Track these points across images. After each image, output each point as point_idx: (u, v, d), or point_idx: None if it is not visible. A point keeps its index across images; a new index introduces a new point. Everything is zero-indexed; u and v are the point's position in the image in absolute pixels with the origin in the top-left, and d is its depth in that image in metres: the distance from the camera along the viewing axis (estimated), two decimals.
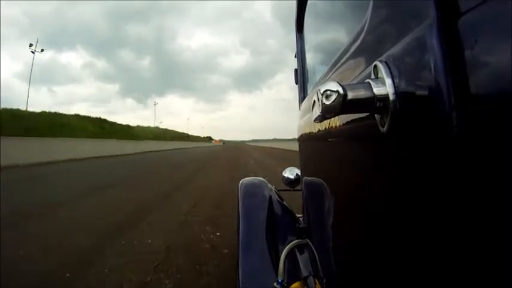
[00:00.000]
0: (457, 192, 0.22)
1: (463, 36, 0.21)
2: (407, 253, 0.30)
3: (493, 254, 0.20)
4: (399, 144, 0.30)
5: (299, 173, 1.28)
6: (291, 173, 1.38)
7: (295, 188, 1.36)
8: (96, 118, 23.55)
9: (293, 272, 0.81)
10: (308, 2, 0.99)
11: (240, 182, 1.25)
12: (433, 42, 0.23)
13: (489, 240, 0.20)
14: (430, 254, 0.26)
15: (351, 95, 0.30)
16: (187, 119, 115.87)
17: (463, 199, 0.21)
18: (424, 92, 0.25)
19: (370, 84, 0.30)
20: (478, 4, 0.20)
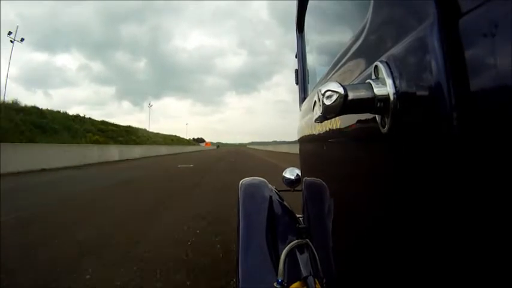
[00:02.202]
0: (458, 193, 0.22)
1: (464, 37, 0.21)
2: (407, 253, 0.30)
3: (493, 254, 0.20)
4: (400, 144, 0.30)
5: (299, 174, 1.28)
6: (291, 173, 1.38)
7: (296, 189, 1.36)
8: None
9: (293, 272, 0.81)
10: (308, 2, 0.99)
11: (240, 182, 1.25)
12: (434, 42, 0.23)
13: (489, 240, 0.20)
14: (431, 254, 0.26)
15: (351, 96, 0.30)
16: (149, 105, 58.67)
17: (464, 199, 0.21)
18: (425, 93, 0.25)
19: (370, 84, 0.30)
20: (478, 4, 0.20)
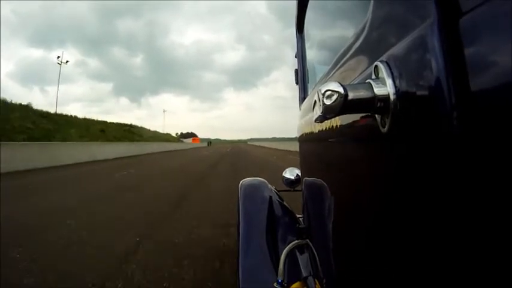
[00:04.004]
0: (458, 192, 0.22)
1: (464, 36, 0.21)
2: (407, 253, 0.30)
3: (493, 254, 0.20)
4: (400, 144, 0.30)
5: (299, 174, 1.28)
6: (291, 173, 1.38)
7: (296, 189, 1.36)
8: None
9: (293, 272, 0.81)
10: (309, 1, 0.99)
11: (240, 182, 1.25)
12: (434, 42, 0.23)
13: (490, 240, 0.20)
14: (431, 254, 0.26)
15: (351, 95, 0.30)
16: (59, 59, 23.16)
17: (464, 199, 0.21)
18: (425, 92, 0.25)
19: (371, 84, 0.30)
20: (478, 4, 0.20)
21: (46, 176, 6.94)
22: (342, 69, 0.53)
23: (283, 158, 12.44)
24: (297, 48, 1.21)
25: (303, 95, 1.19)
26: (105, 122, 24.46)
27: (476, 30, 0.20)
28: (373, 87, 0.30)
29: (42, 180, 6.30)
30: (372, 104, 0.30)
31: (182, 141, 61.06)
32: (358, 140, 0.44)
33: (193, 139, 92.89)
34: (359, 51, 0.43)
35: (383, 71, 0.30)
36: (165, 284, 1.72)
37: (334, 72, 0.58)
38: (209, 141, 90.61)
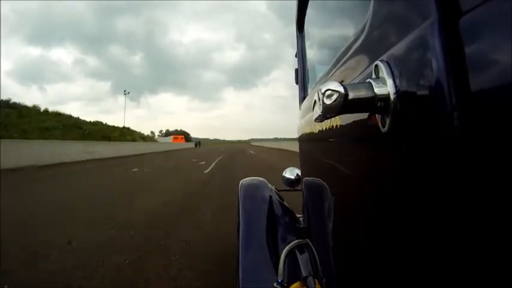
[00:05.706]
0: (458, 193, 0.22)
1: (465, 36, 0.21)
2: (407, 253, 0.30)
3: (494, 254, 0.19)
4: (400, 144, 0.30)
5: (299, 173, 1.28)
6: (291, 173, 1.38)
7: (296, 188, 1.36)
8: None
9: (293, 272, 0.81)
10: (309, 0, 0.99)
11: (240, 182, 1.25)
12: (435, 41, 0.23)
13: (491, 241, 0.20)
14: (431, 254, 0.26)
15: (351, 95, 0.30)
16: None
17: (464, 199, 0.21)
18: (425, 92, 0.25)
19: (371, 84, 0.30)
20: (479, 4, 0.20)
21: None
22: (342, 68, 0.52)
23: None
24: (297, 47, 1.21)
25: (303, 95, 1.18)
26: None
27: (476, 30, 0.20)
28: (374, 86, 0.29)
29: None
30: (372, 104, 0.30)
31: (156, 141, 44.38)
32: (358, 139, 0.44)
33: (173, 138, 69.21)
34: (359, 51, 0.43)
35: (383, 71, 0.30)
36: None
37: (335, 72, 0.58)
38: (197, 142, 70.08)
